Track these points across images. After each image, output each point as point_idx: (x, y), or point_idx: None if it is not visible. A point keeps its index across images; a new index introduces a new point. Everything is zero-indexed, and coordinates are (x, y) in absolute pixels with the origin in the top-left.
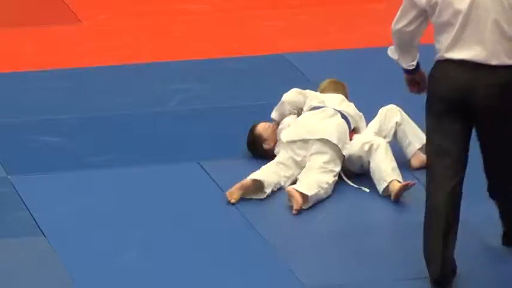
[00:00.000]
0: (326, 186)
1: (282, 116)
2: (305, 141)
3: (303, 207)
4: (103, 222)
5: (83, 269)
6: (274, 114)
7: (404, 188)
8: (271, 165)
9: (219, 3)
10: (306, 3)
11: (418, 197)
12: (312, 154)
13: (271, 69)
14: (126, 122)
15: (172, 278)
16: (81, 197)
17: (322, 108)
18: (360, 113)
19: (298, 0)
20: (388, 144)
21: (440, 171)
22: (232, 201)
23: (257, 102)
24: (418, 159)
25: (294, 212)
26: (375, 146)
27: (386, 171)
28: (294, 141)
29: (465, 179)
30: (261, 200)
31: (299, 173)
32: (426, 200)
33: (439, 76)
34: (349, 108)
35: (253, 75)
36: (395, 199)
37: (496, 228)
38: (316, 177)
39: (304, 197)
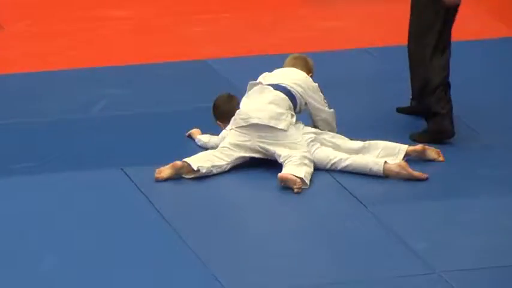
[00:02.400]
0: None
1: None
2: (244, 127)
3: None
4: (25, 229)
5: (3, 275)
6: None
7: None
8: (210, 151)
9: (142, 10)
10: (227, 9)
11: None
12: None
13: (194, 75)
14: (48, 129)
15: (90, 284)
16: (3, 204)
17: (253, 89)
18: (314, 84)
19: (220, 6)
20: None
21: None
22: (159, 178)
23: (181, 107)
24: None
25: (297, 191)
26: (343, 160)
27: (370, 161)
28: (234, 129)
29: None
30: (188, 206)
31: (242, 155)
32: None
33: None
34: (293, 79)
35: (177, 81)
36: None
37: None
38: (296, 157)
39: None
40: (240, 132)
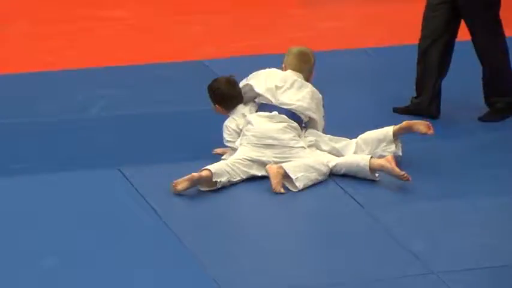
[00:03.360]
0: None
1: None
2: (258, 144)
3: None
4: (23, 229)
5: (1, 276)
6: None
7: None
8: (226, 162)
9: (140, 10)
10: (225, 9)
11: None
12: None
13: (192, 76)
14: (47, 129)
15: (88, 285)
16: (1, 204)
17: (270, 114)
18: (318, 96)
19: (218, 6)
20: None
21: None
22: (175, 191)
23: (179, 108)
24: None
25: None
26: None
27: (358, 157)
28: (246, 145)
29: None
30: (186, 207)
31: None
32: None
33: None
34: (302, 100)
35: (175, 82)
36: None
37: None
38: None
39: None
40: (253, 148)
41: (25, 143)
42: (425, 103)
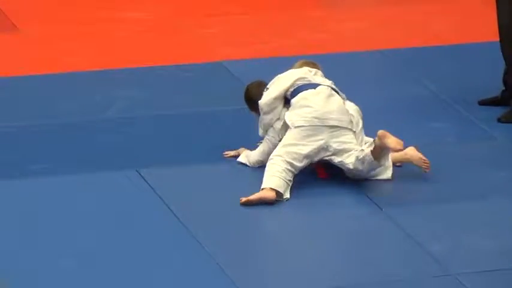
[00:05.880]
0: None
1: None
2: (327, 127)
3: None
4: (42, 229)
5: (20, 277)
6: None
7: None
8: (279, 169)
9: (158, 11)
10: (243, 10)
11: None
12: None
13: (210, 77)
14: (65, 130)
15: (106, 285)
16: (20, 205)
17: (317, 88)
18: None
19: (236, 7)
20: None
21: None
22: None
23: (197, 109)
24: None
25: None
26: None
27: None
28: (301, 127)
29: None
30: (203, 208)
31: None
32: None
33: None
34: (328, 81)
35: (194, 83)
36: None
37: None
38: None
39: None
40: (310, 130)
41: (44, 144)
42: None
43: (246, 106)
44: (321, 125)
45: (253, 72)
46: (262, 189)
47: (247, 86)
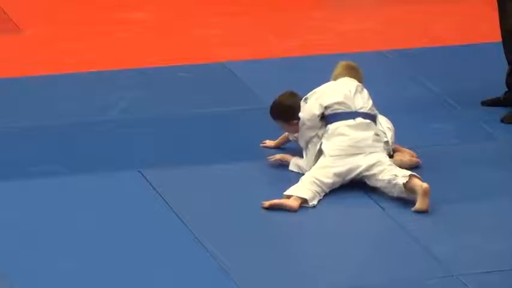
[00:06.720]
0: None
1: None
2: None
3: None
4: (42, 230)
5: (20, 277)
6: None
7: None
8: (315, 181)
9: (160, 12)
10: (244, 11)
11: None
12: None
13: (212, 78)
14: (68, 131)
15: (110, 285)
16: (22, 206)
17: (355, 120)
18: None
19: (238, 8)
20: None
21: None
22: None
23: (199, 110)
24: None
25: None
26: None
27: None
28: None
29: None
30: (205, 209)
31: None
32: None
33: None
34: (370, 101)
35: (195, 84)
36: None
37: None
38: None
39: None
40: (345, 157)
41: (45, 144)
42: None
43: (247, 107)
44: (357, 153)
45: (254, 73)
46: (287, 196)
47: (279, 98)
